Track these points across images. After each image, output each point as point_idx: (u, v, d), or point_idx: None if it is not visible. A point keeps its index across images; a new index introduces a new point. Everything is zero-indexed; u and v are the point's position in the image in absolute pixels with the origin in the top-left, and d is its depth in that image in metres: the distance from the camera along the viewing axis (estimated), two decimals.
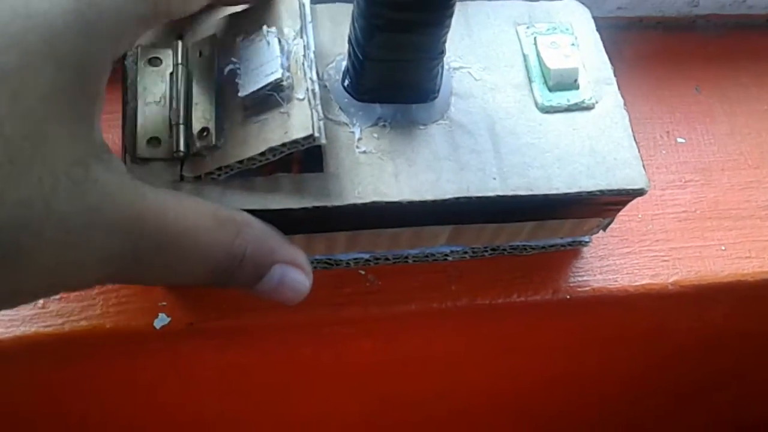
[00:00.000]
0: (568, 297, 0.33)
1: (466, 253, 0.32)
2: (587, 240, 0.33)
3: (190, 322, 0.30)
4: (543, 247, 0.32)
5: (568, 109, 0.29)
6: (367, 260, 0.31)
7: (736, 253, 0.35)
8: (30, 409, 0.36)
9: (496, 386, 0.42)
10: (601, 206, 0.29)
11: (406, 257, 0.31)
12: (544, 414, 0.48)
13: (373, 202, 0.25)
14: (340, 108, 0.27)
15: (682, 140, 0.38)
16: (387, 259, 0.31)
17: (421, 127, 0.27)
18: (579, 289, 0.33)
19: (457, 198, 0.26)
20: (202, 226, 0.22)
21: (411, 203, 0.26)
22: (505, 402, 0.44)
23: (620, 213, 0.32)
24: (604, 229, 0.32)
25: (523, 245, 0.32)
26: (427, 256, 0.31)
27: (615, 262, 0.34)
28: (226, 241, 0.23)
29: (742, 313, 0.39)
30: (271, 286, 0.24)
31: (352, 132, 0.27)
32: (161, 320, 0.30)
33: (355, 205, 0.25)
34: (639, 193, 0.28)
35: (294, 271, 0.24)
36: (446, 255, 0.31)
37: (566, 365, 0.41)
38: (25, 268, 0.18)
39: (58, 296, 0.30)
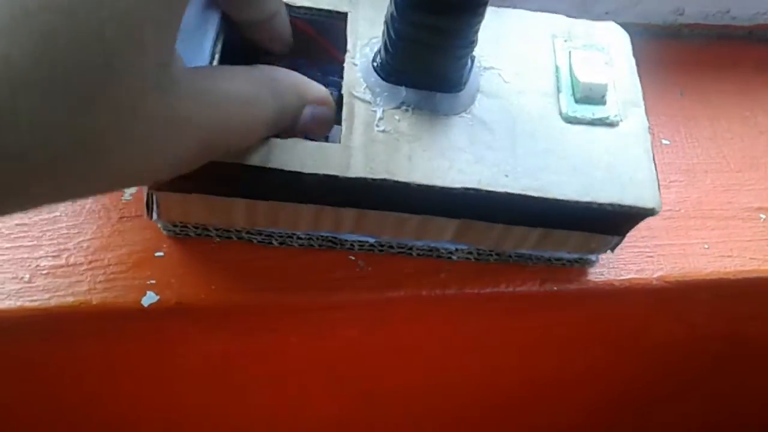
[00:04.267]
0: (555, 288, 0.33)
1: (470, 253, 0.31)
2: (594, 259, 0.32)
3: (179, 301, 0.30)
4: (549, 260, 0.32)
5: (592, 122, 0.29)
6: (372, 245, 0.31)
7: (718, 251, 0.35)
8: (13, 384, 0.35)
9: (480, 379, 0.42)
10: (610, 222, 0.28)
11: (410, 248, 0.31)
12: (529, 406, 0.48)
13: (383, 180, 0.26)
14: (366, 87, 0.27)
15: (667, 142, 0.39)
16: (391, 247, 0.31)
17: (443, 116, 0.27)
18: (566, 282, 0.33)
19: (466, 188, 0.26)
20: (251, 99, 0.23)
21: (419, 186, 0.26)
22: (489, 394, 0.44)
23: None
24: (612, 250, 0.31)
25: (530, 254, 0.32)
26: (431, 251, 0.31)
27: (601, 257, 0.34)
28: (271, 103, 0.24)
29: (723, 313, 0.39)
30: (304, 124, 0.26)
31: (374, 111, 0.27)
32: (149, 298, 0.29)
33: (365, 180, 0.25)
34: (650, 212, 0.28)
35: (321, 108, 0.26)
36: (451, 252, 0.31)
37: (553, 358, 0.42)
38: (107, 166, 0.18)
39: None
